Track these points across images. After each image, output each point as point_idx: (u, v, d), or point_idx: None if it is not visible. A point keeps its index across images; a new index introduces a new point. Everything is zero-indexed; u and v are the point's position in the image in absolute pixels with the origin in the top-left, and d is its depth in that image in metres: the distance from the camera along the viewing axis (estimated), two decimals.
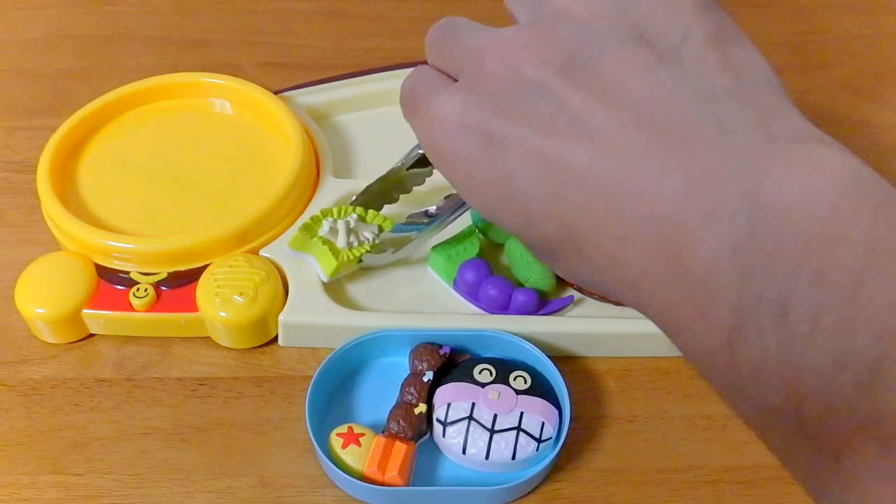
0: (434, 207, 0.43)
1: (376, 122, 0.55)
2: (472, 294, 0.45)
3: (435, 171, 0.44)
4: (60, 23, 0.62)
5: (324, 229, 0.45)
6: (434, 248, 0.46)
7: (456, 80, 0.28)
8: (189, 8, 0.64)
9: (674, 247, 0.21)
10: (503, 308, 0.44)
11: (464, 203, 0.42)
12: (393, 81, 0.56)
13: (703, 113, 0.22)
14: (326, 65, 0.59)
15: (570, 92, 0.24)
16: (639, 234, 0.22)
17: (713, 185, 0.21)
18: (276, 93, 0.53)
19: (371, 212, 0.46)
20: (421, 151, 0.43)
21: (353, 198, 0.47)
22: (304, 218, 0.47)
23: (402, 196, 0.47)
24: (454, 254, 0.46)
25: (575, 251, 0.24)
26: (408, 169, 0.44)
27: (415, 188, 0.46)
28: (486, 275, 0.44)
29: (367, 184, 0.47)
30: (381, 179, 0.46)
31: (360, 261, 0.45)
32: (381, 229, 0.46)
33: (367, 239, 0.45)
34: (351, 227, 0.45)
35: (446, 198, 0.43)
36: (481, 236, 0.47)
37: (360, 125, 0.55)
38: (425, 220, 0.43)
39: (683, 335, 0.22)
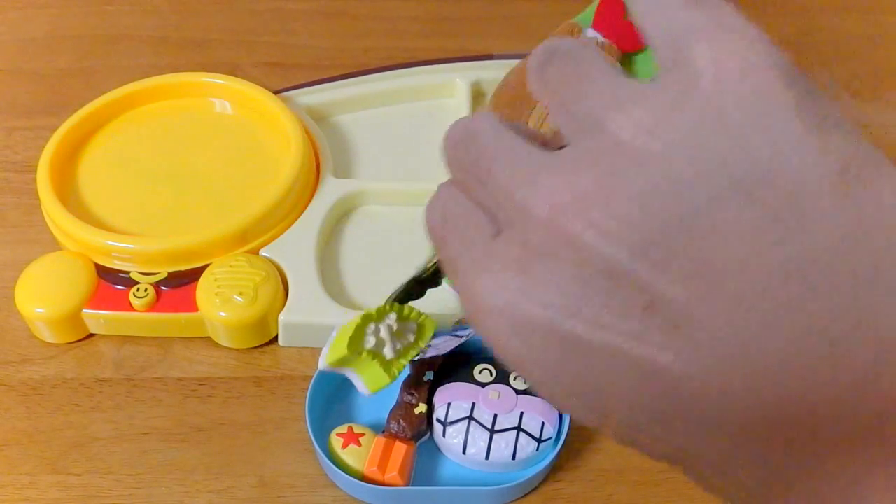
0: None
1: (376, 122, 0.55)
2: None
3: None
4: (60, 23, 0.62)
5: (369, 342, 0.38)
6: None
7: (496, 218, 0.22)
8: (189, 8, 0.64)
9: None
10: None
11: None
12: (393, 81, 0.56)
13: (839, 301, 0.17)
14: (326, 65, 0.59)
15: (656, 276, 0.18)
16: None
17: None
18: (276, 93, 0.53)
19: (407, 307, 0.40)
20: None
21: (389, 296, 0.41)
22: (304, 218, 0.47)
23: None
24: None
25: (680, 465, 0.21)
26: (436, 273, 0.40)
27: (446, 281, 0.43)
28: None
29: (368, 184, 0.47)
30: (416, 280, 0.40)
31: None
32: (421, 326, 0.41)
33: (410, 341, 0.40)
34: (394, 330, 0.39)
35: None
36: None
37: (360, 125, 0.55)
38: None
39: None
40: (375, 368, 0.38)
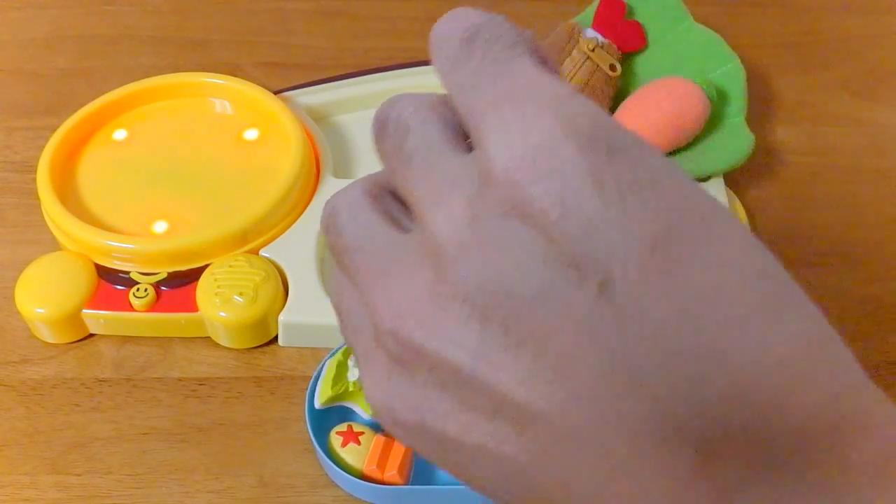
0: None
1: None
2: None
3: None
4: (60, 23, 0.62)
5: (353, 374, 0.40)
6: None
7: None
8: (189, 8, 0.64)
9: None
10: None
11: None
12: (393, 81, 0.56)
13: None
14: (326, 65, 0.59)
15: (498, 378, 0.18)
16: None
17: None
18: (276, 93, 0.53)
19: None
20: None
21: None
22: (304, 218, 0.47)
23: None
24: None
25: None
26: None
27: None
28: None
29: None
30: None
31: None
32: None
33: None
34: None
35: None
36: None
37: (360, 125, 0.55)
38: None
39: None
40: (362, 395, 0.39)
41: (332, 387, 0.39)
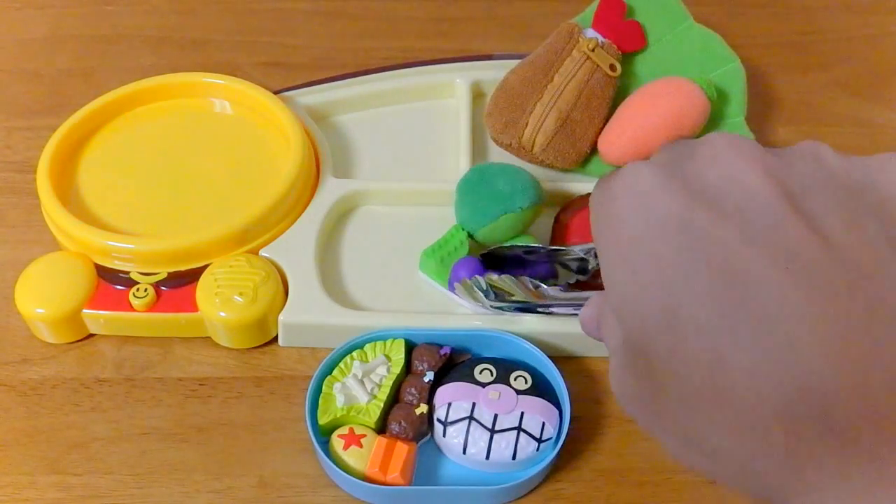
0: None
1: (376, 122, 0.55)
2: None
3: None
4: (60, 23, 0.62)
5: (339, 400, 0.40)
6: (424, 252, 0.46)
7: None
8: (189, 8, 0.64)
9: None
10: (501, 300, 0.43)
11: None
12: (393, 81, 0.56)
13: None
14: (326, 65, 0.59)
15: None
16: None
17: None
18: (276, 93, 0.53)
19: (369, 346, 0.42)
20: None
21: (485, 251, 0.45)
22: (304, 218, 0.47)
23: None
24: (445, 255, 0.45)
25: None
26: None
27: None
28: (481, 271, 0.44)
29: (368, 184, 0.47)
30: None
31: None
32: (388, 355, 0.42)
33: (383, 374, 0.41)
34: (360, 377, 0.41)
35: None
36: (468, 236, 0.46)
37: (360, 125, 0.55)
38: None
39: None
40: (358, 418, 0.40)
41: (321, 419, 0.40)
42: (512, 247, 0.44)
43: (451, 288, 0.45)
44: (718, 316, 0.20)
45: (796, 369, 0.19)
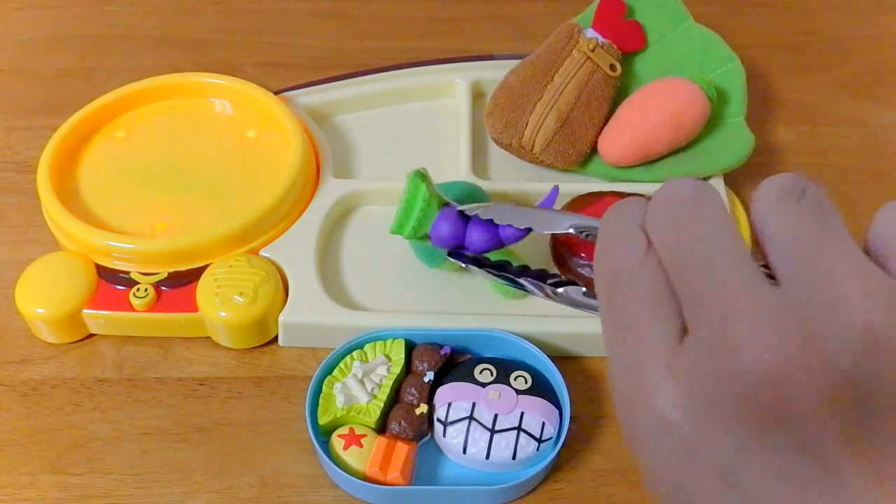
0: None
1: (376, 122, 0.55)
2: (456, 245, 0.41)
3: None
4: (60, 23, 0.62)
5: (340, 400, 0.40)
6: (395, 229, 0.42)
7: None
8: (189, 8, 0.64)
9: None
10: (493, 245, 0.40)
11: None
12: (393, 81, 0.56)
13: None
14: (326, 65, 0.59)
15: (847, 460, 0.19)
16: None
17: None
18: (276, 93, 0.53)
19: (369, 346, 0.42)
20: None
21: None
22: (304, 218, 0.47)
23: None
24: (416, 224, 0.41)
25: None
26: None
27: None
28: (461, 221, 0.41)
29: (368, 184, 0.46)
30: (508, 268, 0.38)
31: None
32: (388, 355, 0.42)
33: (383, 374, 0.41)
34: (360, 377, 0.41)
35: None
36: (428, 189, 0.41)
37: (360, 125, 0.55)
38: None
39: None
40: (358, 418, 0.40)
41: (321, 419, 0.40)
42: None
43: (436, 244, 0.41)
44: None
45: None
